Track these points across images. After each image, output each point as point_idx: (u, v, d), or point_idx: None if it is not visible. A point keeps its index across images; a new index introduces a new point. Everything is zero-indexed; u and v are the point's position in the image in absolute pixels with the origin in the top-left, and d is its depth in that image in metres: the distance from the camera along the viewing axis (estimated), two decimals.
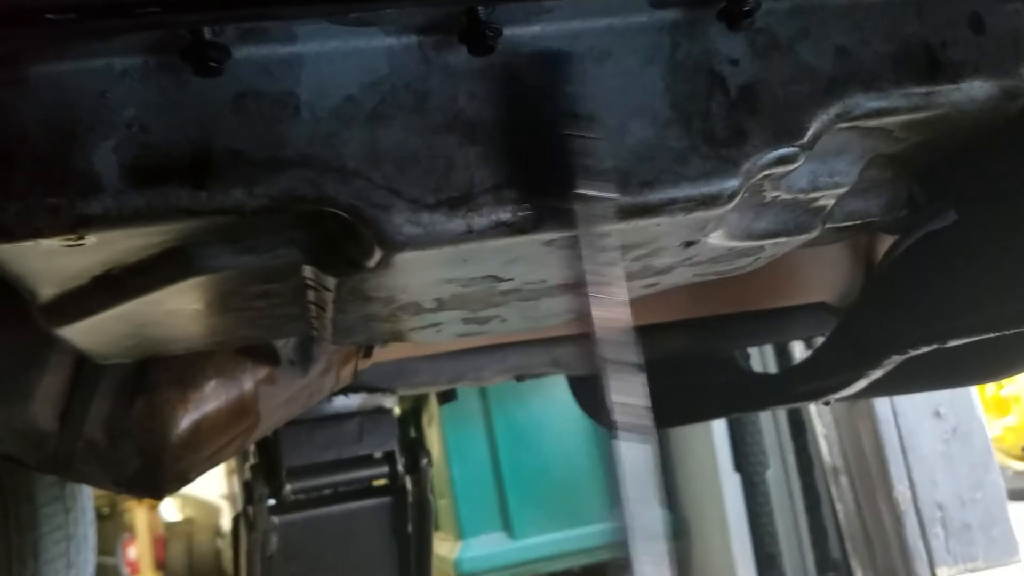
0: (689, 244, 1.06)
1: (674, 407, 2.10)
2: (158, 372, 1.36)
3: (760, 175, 0.94)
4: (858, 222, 1.25)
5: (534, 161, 0.86)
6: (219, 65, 0.80)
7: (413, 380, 1.89)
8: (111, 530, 7.34)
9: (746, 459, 3.80)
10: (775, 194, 1.05)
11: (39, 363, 1.30)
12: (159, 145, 0.82)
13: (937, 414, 3.16)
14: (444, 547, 4.13)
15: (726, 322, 1.88)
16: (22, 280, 0.94)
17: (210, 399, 1.39)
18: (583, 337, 0.80)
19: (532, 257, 0.99)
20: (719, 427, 3.86)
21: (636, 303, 1.39)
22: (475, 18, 0.84)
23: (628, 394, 0.77)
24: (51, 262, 0.89)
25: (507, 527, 4.10)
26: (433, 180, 0.87)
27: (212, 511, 8.44)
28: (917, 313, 1.26)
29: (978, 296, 1.18)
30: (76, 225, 0.81)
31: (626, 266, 1.10)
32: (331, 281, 0.98)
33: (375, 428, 1.92)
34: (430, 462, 2.03)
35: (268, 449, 1.90)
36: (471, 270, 1.01)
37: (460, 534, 4.09)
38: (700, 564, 4.13)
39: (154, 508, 8.52)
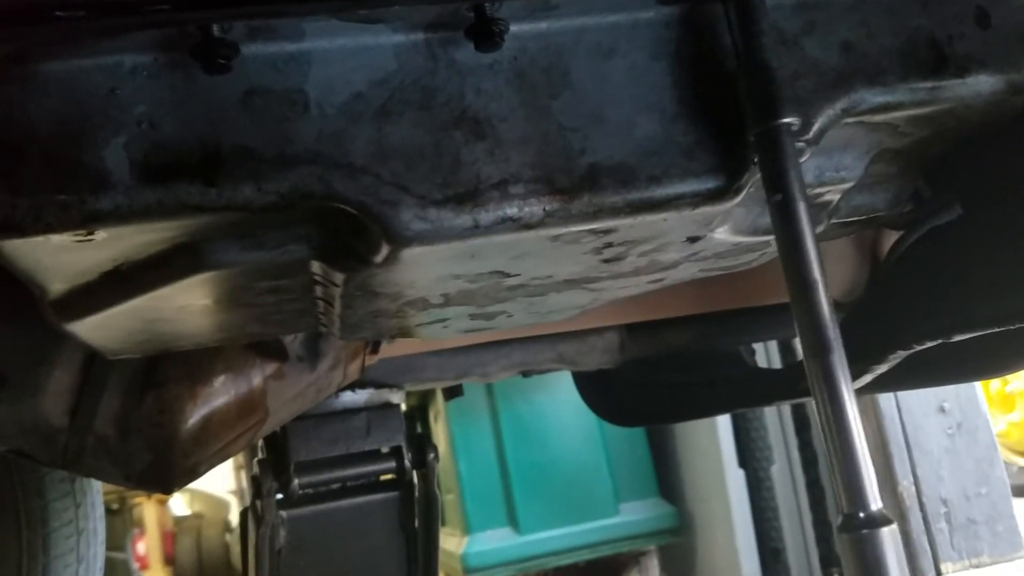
0: (695, 239, 1.06)
1: (679, 402, 2.10)
2: (167, 367, 1.36)
3: None
4: (864, 217, 1.25)
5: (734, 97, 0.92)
6: (228, 62, 0.81)
7: (420, 376, 1.90)
8: (120, 525, 7.36)
9: (751, 454, 3.80)
10: None
11: (49, 359, 1.30)
12: (169, 142, 0.82)
13: (942, 410, 3.15)
14: (451, 542, 4.15)
15: (731, 318, 1.88)
16: (32, 276, 0.94)
17: (219, 394, 1.39)
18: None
19: (539, 252, 0.99)
20: (724, 423, 3.86)
21: (642, 298, 1.40)
22: (482, 14, 0.85)
23: None
24: (61, 258, 0.89)
25: (513, 522, 4.11)
26: (440, 176, 0.87)
27: (221, 506, 8.47)
28: (922, 308, 1.26)
29: (983, 291, 1.18)
30: (86, 221, 0.81)
31: (632, 261, 1.10)
32: (339, 277, 0.99)
33: (382, 423, 1.92)
34: (437, 457, 2.03)
35: (276, 444, 1.90)
36: (478, 265, 1.01)
37: (467, 529, 4.10)
38: (705, 559, 4.13)
39: (163, 503, 8.56)
